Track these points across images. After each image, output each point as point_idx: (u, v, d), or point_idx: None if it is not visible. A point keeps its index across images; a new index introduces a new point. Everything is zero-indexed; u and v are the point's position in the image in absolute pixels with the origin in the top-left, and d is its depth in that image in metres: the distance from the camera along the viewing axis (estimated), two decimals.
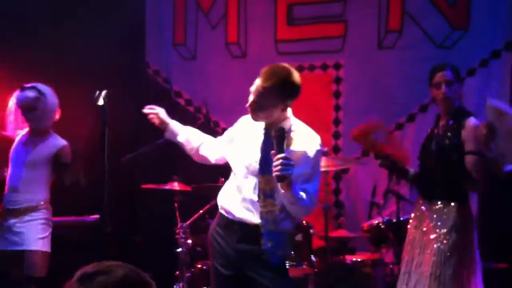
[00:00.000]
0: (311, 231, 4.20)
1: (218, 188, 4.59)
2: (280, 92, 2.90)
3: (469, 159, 3.36)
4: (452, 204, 3.41)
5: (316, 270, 4.15)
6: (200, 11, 5.84)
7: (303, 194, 2.76)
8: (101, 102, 3.12)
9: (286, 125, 2.98)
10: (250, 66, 5.65)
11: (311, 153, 2.87)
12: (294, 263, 4.10)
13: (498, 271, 4.13)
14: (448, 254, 3.34)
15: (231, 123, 5.59)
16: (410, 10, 5.22)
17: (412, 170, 3.63)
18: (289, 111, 3.05)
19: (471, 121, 3.43)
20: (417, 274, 3.40)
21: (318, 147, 2.91)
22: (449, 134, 3.44)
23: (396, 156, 3.58)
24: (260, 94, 2.90)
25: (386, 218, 4.12)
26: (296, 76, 2.97)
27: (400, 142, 4.11)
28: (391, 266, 4.21)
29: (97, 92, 3.24)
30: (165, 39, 5.92)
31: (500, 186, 3.73)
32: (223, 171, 4.82)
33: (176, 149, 3.88)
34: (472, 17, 5.05)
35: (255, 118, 2.99)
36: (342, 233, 4.69)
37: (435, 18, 5.13)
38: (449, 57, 4.90)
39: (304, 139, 2.92)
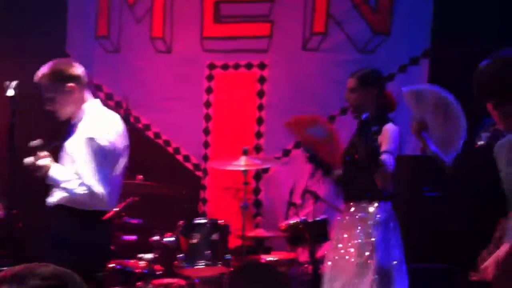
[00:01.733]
0: (228, 230, 4.18)
1: (135, 186, 4.57)
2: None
3: (383, 157, 3.44)
4: (375, 202, 3.47)
5: (231, 269, 4.13)
6: (124, 4, 5.71)
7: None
8: (10, 92, 2.98)
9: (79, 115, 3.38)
10: (175, 62, 5.59)
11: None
12: (210, 262, 4.07)
13: (437, 271, 4.26)
14: (369, 252, 3.40)
15: (153, 119, 5.57)
16: (335, 14, 5.30)
17: (336, 171, 3.68)
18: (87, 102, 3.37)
19: (389, 126, 3.54)
20: (342, 275, 3.44)
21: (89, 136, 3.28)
22: (367, 138, 3.50)
23: (326, 155, 3.62)
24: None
25: (303, 218, 4.16)
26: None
27: (339, 141, 4.13)
28: (306, 265, 4.25)
29: (7, 82, 3.10)
30: (87, 31, 5.75)
31: (441, 185, 3.84)
32: (140, 168, 4.76)
33: None
34: (394, 23, 5.17)
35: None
36: (259, 232, 4.69)
37: (358, 22, 5.22)
38: (370, 61, 4.99)
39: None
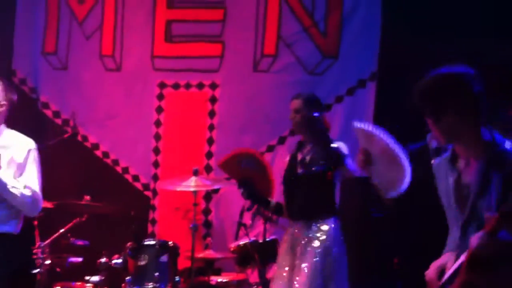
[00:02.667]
0: (177, 251, 4.16)
1: (82, 206, 4.48)
2: None
3: (343, 168, 3.54)
4: (322, 220, 3.52)
5: None
6: (74, 20, 5.64)
7: None
8: None
9: None
10: (124, 80, 5.54)
11: None
12: (158, 285, 4.02)
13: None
14: (321, 269, 3.43)
15: (102, 137, 5.49)
16: (285, 36, 5.37)
17: (273, 201, 3.78)
18: None
19: (336, 143, 3.61)
20: None
21: None
22: (315, 159, 3.56)
23: (260, 185, 3.70)
24: None
25: (253, 238, 4.16)
26: None
27: (269, 169, 4.22)
28: (255, 286, 4.25)
29: None
30: (35, 47, 5.64)
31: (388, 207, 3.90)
32: (88, 189, 4.68)
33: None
34: (342, 46, 5.28)
35: None
36: (209, 253, 4.67)
37: (307, 45, 5.31)
38: (320, 84, 5.10)
39: None
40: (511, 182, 2.32)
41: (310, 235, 3.56)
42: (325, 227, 3.56)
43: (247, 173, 3.80)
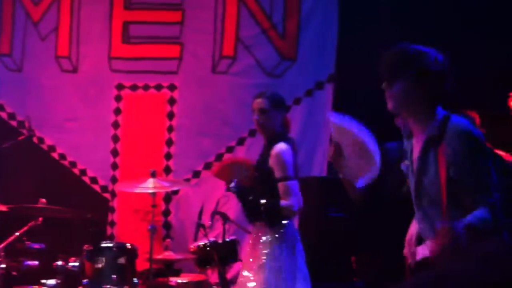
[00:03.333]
0: (135, 253, 4.13)
1: (38, 209, 4.40)
2: None
3: (280, 187, 3.51)
4: (272, 223, 3.53)
5: None
6: (29, 21, 5.54)
7: None
8: None
9: None
10: (81, 81, 5.47)
11: None
12: (116, 287, 3.99)
13: None
14: (268, 271, 3.44)
15: (59, 139, 5.40)
16: (243, 38, 5.40)
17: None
18: None
19: (277, 147, 3.56)
20: None
21: None
22: (263, 160, 3.58)
23: None
24: None
25: (213, 239, 4.15)
26: None
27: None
28: (215, 286, 4.24)
29: None
30: None
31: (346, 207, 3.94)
32: (43, 192, 4.60)
33: None
34: (300, 48, 5.34)
35: None
36: (168, 255, 4.64)
37: (266, 47, 5.35)
38: (278, 85, 5.13)
39: None
40: (450, 156, 2.40)
41: (263, 238, 3.55)
42: (276, 231, 3.54)
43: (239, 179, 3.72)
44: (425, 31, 4.91)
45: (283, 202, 3.51)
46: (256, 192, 3.58)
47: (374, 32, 5.12)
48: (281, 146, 3.56)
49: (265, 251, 3.49)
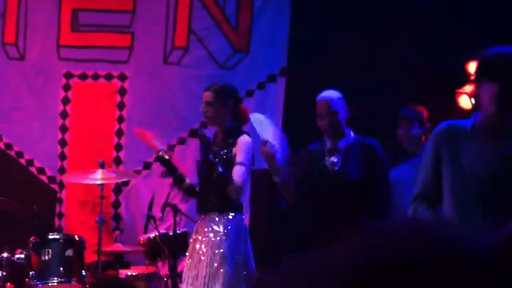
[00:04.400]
0: (83, 245, 4.08)
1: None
2: None
3: (236, 168, 3.55)
4: (225, 214, 3.55)
5: (86, 286, 4.02)
6: None
7: None
8: None
9: None
10: (29, 69, 5.33)
11: None
12: (63, 280, 3.94)
13: None
14: (219, 263, 3.46)
15: (4, 129, 5.25)
16: (196, 30, 5.37)
17: (188, 180, 3.73)
18: None
19: (244, 138, 3.64)
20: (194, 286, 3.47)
21: None
22: (224, 150, 3.59)
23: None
24: None
25: (163, 231, 4.14)
26: None
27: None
28: (165, 279, 4.23)
29: None
30: None
31: None
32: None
33: None
34: (252, 41, 5.36)
35: None
36: (117, 247, 4.60)
37: (218, 39, 5.34)
38: (231, 78, 5.12)
39: None
40: None
41: (209, 227, 3.56)
42: (220, 220, 3.56)
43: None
44: (378, 24, 5.02)
45: (234, 179, 3.53)
46: (210, 184, 3.59)
47: (326, 25, 5.19)
48: (247, 138, 3.64)
49: (225, 243, 3.50)
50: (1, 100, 5.26)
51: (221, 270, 3.46)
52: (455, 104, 4.61)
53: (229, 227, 3.55)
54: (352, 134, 3.60)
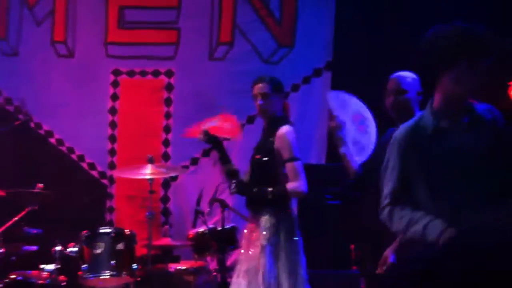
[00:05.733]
0: (134, 239, 4.15)
1: (35, 194, 4.40)
2: None
3: (288, 167, 3.52)
4: (275, 209, 3.54)
5: (137, 279, 4.09)
6: (24, 6, 5.49)
7: None
8: None
9: None
10: (77, 66, 5.44)
11: None
12: (115, 273, 4.01)
13: (338, 277, 4.39)
14: (270, 258, 3.47)
15: (56, 125, 5.38)
16: (240, 24, 5.39)
17: (233, 165, 3.70)
18: None
19: (282, 129, 3.57)
20: (246, 279, 3.48)
21: None
22: (266, 144, 3.59)
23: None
24: None
25: (211, 226, 4.17)
26: None
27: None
28: (214, 273, 4.26)
29: None
30: None
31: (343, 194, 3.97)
32: (41, 177, 4.59)
33: None
34: (297, 35, 5.35)
35: None
36: (166, 241, 4.66)
37: (263, 33, 5.35)
38: (275, 72, 5.07)
39: None
40: None
41: (257, 224, 3.55)
42: (270, 216, 3.55)
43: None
44: (424, 16, 4.93)
45: (290, 185, 3.52)
46: (256, 179, 3.59)
47: (371, 17, 5.14)
48: (286, 128, 3.57)
49: (267, 237, 3.51)
50: (52, 97, 5.39)
51: (261, 263, 3.47)
52: (506, 96, 4.50)
53: (280, 222, 3.55)
54: None
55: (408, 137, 2.43)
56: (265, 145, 3.59)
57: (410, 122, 2.49)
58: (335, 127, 3.44)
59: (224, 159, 3.67)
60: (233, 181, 3.62)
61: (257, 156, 3.60)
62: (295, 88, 5.27)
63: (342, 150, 3.44)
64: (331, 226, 4.58)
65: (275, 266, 3.47)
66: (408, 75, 3.50)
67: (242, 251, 3.60)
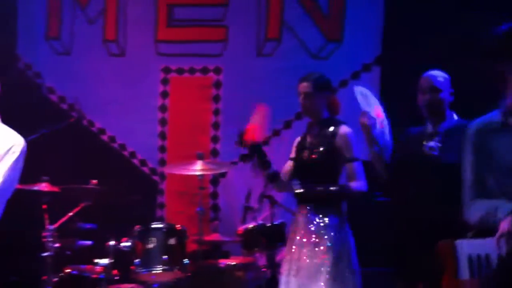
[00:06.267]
0: (185, 235, 4.20)
1: (89, 190, 4.50)
2: None
3: (350, 167, 3.52)
4: (327, 205, 3.54)
5: (188, 274, 4.14)
6: (77, 5, 5.62)
7: None
8: None
9: None
10: (128, 65, 5.54)
11: None
12: (167, 267, 4.06)
13: (389, 274, 4.34)
14: (323, 255, 3.45)
15: (108, 123, 5.50)
16: (288, 20, 5.38)
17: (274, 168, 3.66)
18: None
19: (343, 129, 3.59)
20: (297, 277, 3.47)
21: None
22: (322, 142, 3.57)
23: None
24: None
25: (261, 222, 4.19)
26: None
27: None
28: (263, 269, 4.27)
29: None
30: (38, 32, 5.63)
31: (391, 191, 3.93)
32: (94, 173, 4.70)
33: (46, 147, 3.70)
34: (346, 30, 5.30)
35: None
36: (216, 237, 4.70)
37: (310, 28, 5.32)
38: (324, 68, 5.08)
39: None
40: None
41: (308, 220, 3.54)
42: (330, 213, 3.54)
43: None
44: (474, 10, 4.81)
45: (353, 184, 3.52)
46: (313, 178, 3.57)
47: (421, 11, 5.04)
48: (347, 128, 3.59)
49: (332, 236, 3.49)
50: (103, 96, 5.49)
51: (325, 263, 3.45)
52: None
53: (342, 221, 3.54)
54: (455, 117, 3.50)
55: (479, 133, 2.49)
56: (322, 144, 3.57)
57: (481, 119, 2.54)
58: (368, 125, 3.41)
59: (264, 164, 3.62)
60: (296, 181, 3.59)
61: (313, 156, 3.58)
62: (344, 83, 5.23)
63: (374, 148, 3.42)
64: (380, 223, 4.52)
65: (340, 266, 3.46)
66: (441, 74, 3.48)
67: (294, 248, 3.57)
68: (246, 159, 3.64)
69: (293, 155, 3.75)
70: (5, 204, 3.38)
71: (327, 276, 3.41)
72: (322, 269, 3.43)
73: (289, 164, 3.75)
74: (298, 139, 3.78)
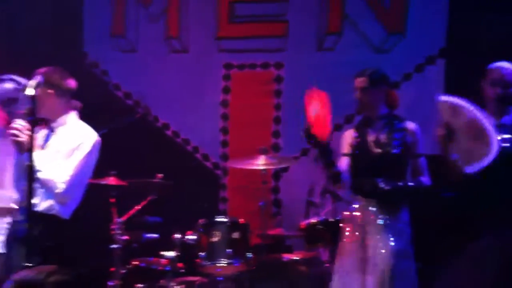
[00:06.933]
0: (248, 229, 4.23)
1: (155, 184, 4.61)
2: None
3: (420, 162, 3.53)
4: (394, 205, 3.51)
5: (252, 267, 4.18)
6: (140, 3, 5.75)
7: None
8: (31, 92, 2.96)
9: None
10: (190, 61, 5.63)
11: None
12: (231, 261, 4.11)
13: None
14: (398, 251, 3.43)
15: (172, 118, 5.60)
16: (349, 13, 5.33)
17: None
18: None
19: (411, 124, 3.59)
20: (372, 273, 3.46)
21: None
22: (396, 138, 3.53)
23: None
24: None
25: (323, 217, 4.19)
26: None
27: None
28: (326, 264, 4.27)
29: (27, 81, 3.10)
30: (103, 29, 5.79)
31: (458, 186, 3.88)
32: (160, 167, 4.80)
33: (113, 142, 3.80)
34: (409, 22, 5.21)
35: None
36: (279, 231, 4.72)
37: (372, 21, 5.26)
38: (386, 61, 5.04)
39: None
40: None
41: (372, 215, 3.52)
42: (399, 209, 3.52)
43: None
44: None
45: (424, 179, 3.55)
46: (384, 173, 3.54)
47: (487, 2, 4.90)
48: (414, 124, 3.60)
49: (406, 232, 3.48)
50: (167, 92, 5.60)
51: (389, 261, 3.43)
52: None
53: (402, 215, 3.52)
54: None
55: None
56: (397, 140, 3.55)
57: None
58: (444, 136, 3.36)
59: (329, 163, 3.57)
60: (378, 179, 3.55)
61: (393, 151, 3.54)
62: (407, 77, 5.15)
63: (451, 157, 3.36)
64: (445, 219, 4.44)
65: (404, 264, 3.44)
66: (509, 66, 3.38)
67: (355, 244, 3.56)
68: (315, 160, 3.59)
69: (347, 151, 3.71)
70: (80, 197, 3.51)
71: (390, 274, 3.38)
72: (386, 266, 3.40)
73: (344, 160, 3.71)
74: (351, 134, 3.73)
